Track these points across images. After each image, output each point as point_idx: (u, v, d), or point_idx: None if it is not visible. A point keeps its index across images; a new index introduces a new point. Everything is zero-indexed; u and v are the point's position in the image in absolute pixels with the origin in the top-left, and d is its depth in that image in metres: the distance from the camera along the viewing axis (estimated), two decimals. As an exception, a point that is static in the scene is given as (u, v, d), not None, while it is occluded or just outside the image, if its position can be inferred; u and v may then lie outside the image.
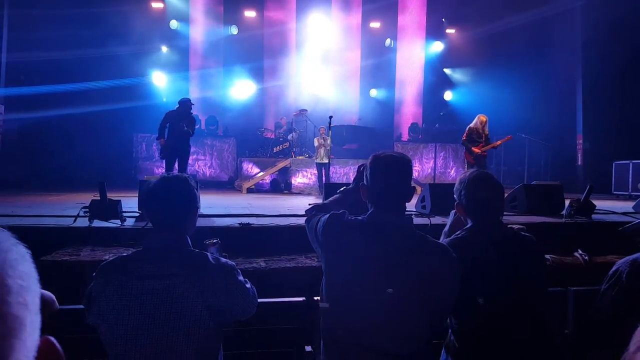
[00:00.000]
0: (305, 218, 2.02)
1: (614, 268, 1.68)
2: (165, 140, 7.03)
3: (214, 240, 2.44)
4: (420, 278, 1.62)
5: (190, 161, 11.95)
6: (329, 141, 9.83)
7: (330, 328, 1.70)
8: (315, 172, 10.69)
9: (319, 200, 7.14)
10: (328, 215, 1.79)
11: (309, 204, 2.29)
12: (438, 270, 1.65)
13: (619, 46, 11.09)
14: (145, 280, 1.53)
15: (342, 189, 2.24)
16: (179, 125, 6.94)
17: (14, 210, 5.23)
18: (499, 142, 8.30)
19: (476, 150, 8.07)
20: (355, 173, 2.07)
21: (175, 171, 6.82)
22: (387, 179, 1.72)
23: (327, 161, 10.00)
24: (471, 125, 8.24)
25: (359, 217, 1.76)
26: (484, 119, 8.16)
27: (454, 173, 13.13)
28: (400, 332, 1.60)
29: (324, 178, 10.10)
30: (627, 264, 2.00)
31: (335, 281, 1.71)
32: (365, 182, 1.78)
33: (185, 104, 7.29)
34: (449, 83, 16.24)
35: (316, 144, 10.34)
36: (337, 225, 1.74)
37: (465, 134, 8.25)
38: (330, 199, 2.17)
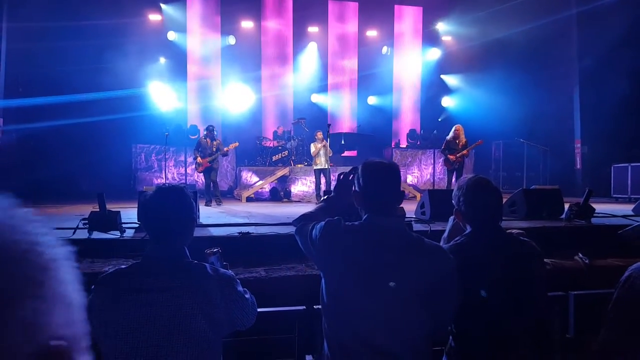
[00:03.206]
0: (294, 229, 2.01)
1: (626, 274, 1.65)
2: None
3: (215, 250, 2.43)
4: (418, 278, 1.66)
5: (189, 171, 12.01)
6: (328, 146, 9.51)
7: (334, 332, 1.72)
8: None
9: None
10: (324, 222, 1.80)
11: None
12: (436, 271, 1.68)
13: (615, 51, 11.16)
14: (143, 293, 1.53)
15: (324, 197, 2.27)
16: (206, 148, 9.22)
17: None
18: (466, 150, 9.08)
19: (451, 157, 9.01)
20: (336, 181, 2.08)
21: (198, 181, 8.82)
22: (379, 184, 1.77)
23: (327, 167, 9.53)
24: (448, 137, 9.13)
25: (355, 223, 1.79)
26: (459, 129, 9.07)
27: (453, 179, 13.12)
28: (401, 332, 1.63)
29: (324, 185, 9.65)
30: None
31: (336, 286, 1.73)
32: (357, 188, 1.82)
33: (206, 130, 9.47)
34: (446, 89, 16.28)
35: (313, 149, 9.60)
36: (334, 231, 1.77)
37: (444, 144, 9.16)
38: (316, 207, 2.19)
